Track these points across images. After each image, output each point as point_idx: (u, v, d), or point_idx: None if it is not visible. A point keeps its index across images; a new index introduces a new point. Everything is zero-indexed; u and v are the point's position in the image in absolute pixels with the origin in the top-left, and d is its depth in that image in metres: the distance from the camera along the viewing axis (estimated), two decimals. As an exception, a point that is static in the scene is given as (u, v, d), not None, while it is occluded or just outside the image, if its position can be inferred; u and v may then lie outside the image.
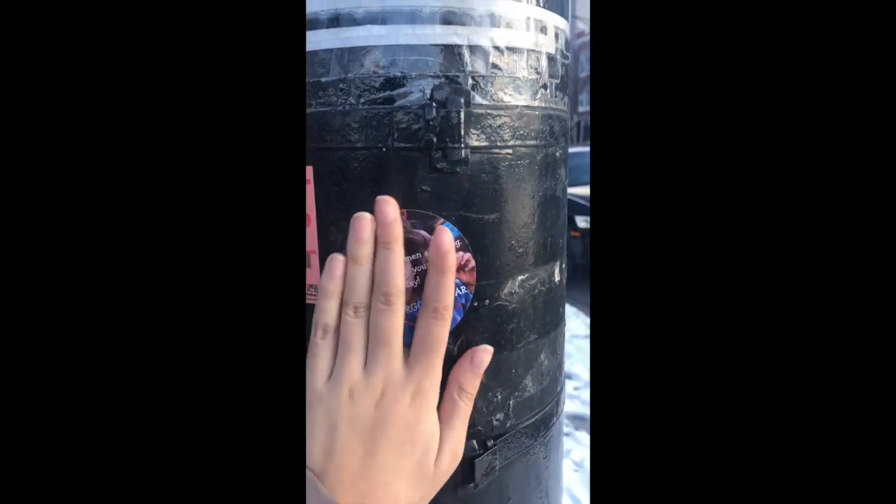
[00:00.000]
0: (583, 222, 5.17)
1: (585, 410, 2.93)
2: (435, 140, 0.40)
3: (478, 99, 0.41)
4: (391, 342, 0.40)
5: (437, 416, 0.42)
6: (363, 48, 0.39)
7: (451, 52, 0.40)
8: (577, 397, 3.06)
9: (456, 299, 0.44)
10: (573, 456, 2.53)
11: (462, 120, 0.40)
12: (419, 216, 0.42)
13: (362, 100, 0.40)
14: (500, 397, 0.47)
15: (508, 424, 0.48)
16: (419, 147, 0.41)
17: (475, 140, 0.42)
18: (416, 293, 0.43)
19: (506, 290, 0.46)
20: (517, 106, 0.44)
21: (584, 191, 5.12)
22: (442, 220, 0.42)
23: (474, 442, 0.46)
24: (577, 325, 4.02)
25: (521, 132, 0.44)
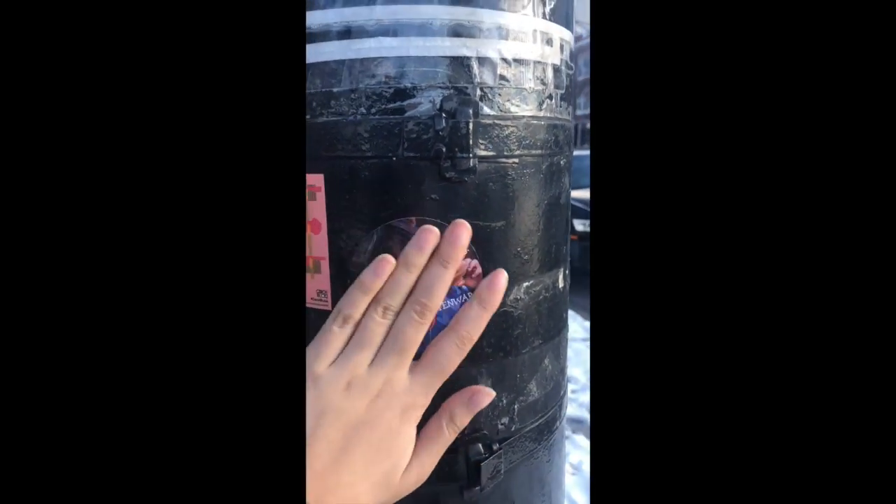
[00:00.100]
0: (580, 225, 5.18)
1: (582, 413, 2.94)
2: (444, 150, 0.41)
3: (486, 109, 0.42)
4: (406, 351, 0.41)
5: (415, 433, 0.42)
6: (374, 59, 0.40)
7: (460, 64, 0.41)
8: (574, 400, 3.07)
9: (462, 305, 0.45)
10: (570, 459, 2.54)
11: (470, 130, 0.41)
12: (428, 223, 0.43)
13: (373, 110, 0.41)
14: (505, 401, 0.48)
15: (513, 428, 0.49)
16: (428, 156, 0.41)
17: (483, 150, 0.43)
18: (424, 299, 0.44)
19: (511, 297, 0.47)
20: (524, 116, 0.44)
21: (582, 194, 5.14)
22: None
23: (480, 446, 0.47)
24: (574, 329, 4.03)
25: (528, 142, 0.45)
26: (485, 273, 0.45)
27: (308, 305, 0.46)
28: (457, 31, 0.41)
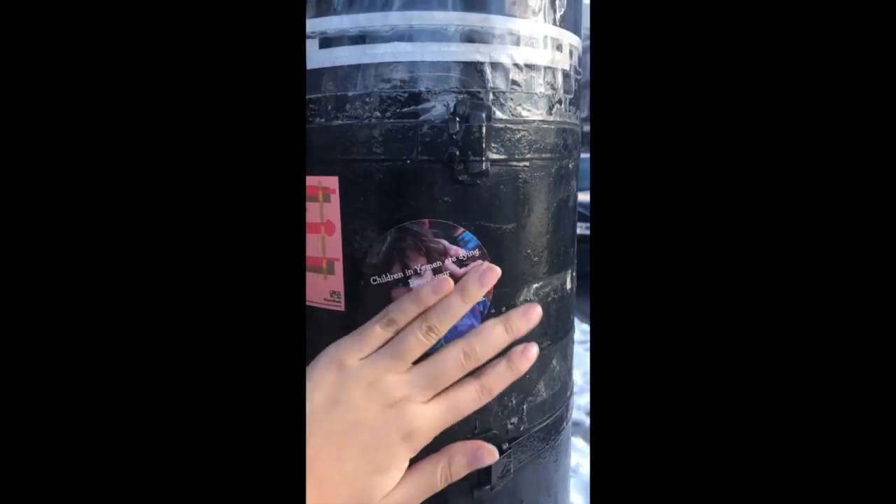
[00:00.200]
0: (579, 228, 5.18)
1: (580, 416, 2.95)
2: (457, 153, 0.42)
3: (498, 114, 0.43)
4: (440, 384, 0.42)
5: (408, 462, 0.42)
6: (390, 64, 0.41)
7: (473, 69, 0.42)
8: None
9: (474, 307, 0.46)
10: (567, 461, 2.54)
11: (483, 134, 0.42)
12: (440, 226, 0.44)
13: (388, 114, 0.42)
14: (514, 401, 0.49)
15: (522, 428, 0.50)
16: (442, 160, 0.42)
17: (495, 153, 0.43)
18: (436, 300, 0.45)
19: (521, 298, 0.47)
20: (534, 120, 0.45)
21: (581, 197, 5.14)
22: (462, 229, 0.44)
23: (490, 445, 0.47)
24: (570, 331, 4.03)
25: (538, 145, 0.46)
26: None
27: (321, 306, 0.46)
28: (470, 37, 0.41)
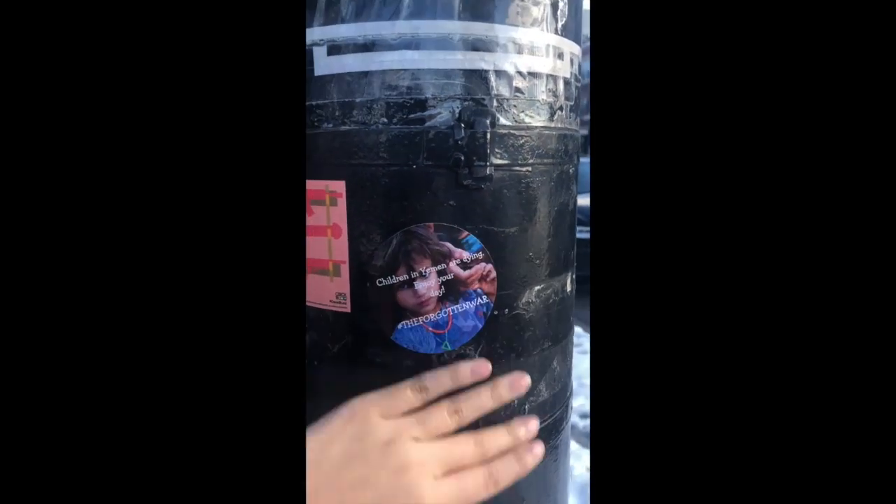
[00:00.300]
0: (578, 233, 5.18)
1: (574, 418, 2.96)
2: (462, 158, 0.43)
3: (502, 120, 0.44)
4: (449, 463, 0.42)
5: None
6: (397, 71, 0.42)
7: (478, 77, 0.43)
8: (564, 406, 3.08)
9: (477, 308, 0.47)
10: (562, 464, 2.55)
11: (488, 139, 0.43)
12: (445, 229, 0.45)
13: (394, 119, 0.43)
14: (516, 402, 0.50)
15: (524, 428, 0.51)
16: (447, 164, 0.43)
17: (498, 158, 0.44)
18: (440, 302, 0.46)
19: (523, 300, 0.48)
20: (537, 127, 0.46)
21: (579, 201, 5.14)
22: (466, 232, 0.45)
23: (492, 444, 0.48)
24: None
25: (540, 151, 0.47)
26: (499, 279, 0.46)
27: (327, 307, 0.47)
28: (475, 46, 0.42)
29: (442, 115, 0.43)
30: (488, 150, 0.43)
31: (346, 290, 0.46)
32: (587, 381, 2.20)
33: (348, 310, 0.46)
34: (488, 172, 0.44)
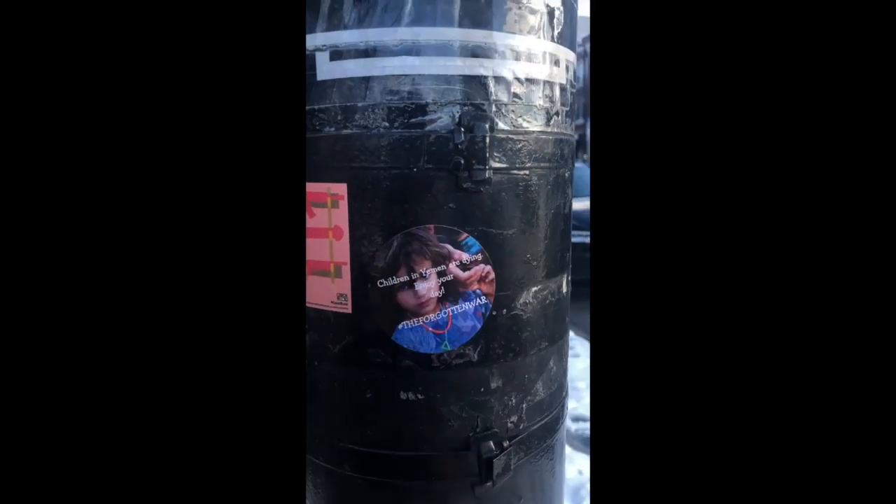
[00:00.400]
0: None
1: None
2: (462, 162, 0.44)
3: (500, 125, 0.45)
4: None
5: None
6: (398, 77, 0.43)
7: (477, 82, 0.44)
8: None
9: (476, 309, 0.48)
10: (554, 467, 2.56)
11: (487, 143, 0.44)
12: (445, 231, 0.46)
13: (395, 124, 0.44)
14: (514, 401, 0.51)
15: (521, 427, 0.52)
16: (447, 168, 0.44)
17: (497, 162, 0.45)
18: (440, 302, 0.47)
19: (521, 301, 0.49)
20: (534, 131, 0.48)
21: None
22: (466, 234, 0.46)
23: (491, 443, 0.49)
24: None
25: (537, 155, 0.48)
26: (498, 280, 0.47)
27: (328, 308, 0.48)
28: (474, 52, 0.43)
29: (442, 119, 0.44)
30: (487, 154, 0.44)
31: (348, 290, 0.47)
32: (579, 384, 2.21)
33: (349, 310, 0.47)
34: (487, 176, 0.45)
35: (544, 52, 0.47)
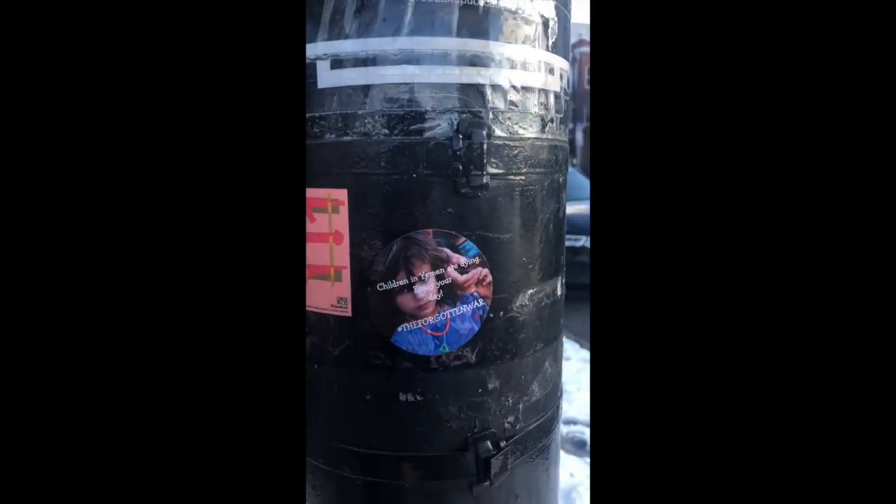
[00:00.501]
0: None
1: (556, 425, 2.98)
2: (461, 167, 0.45)
3: (497, 131, 0.46)
4: None
5: None
6: (398, 85, 0.44)
7: (475, 90, 0.45)
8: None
9: (474, 311, 0.49)
10: (546, 470, 2.56)
11: (485, 150, 0.45)
12: (444, 235, 0.47)
13: (395, 131, 0.45)
14: (511, 401, 0.52)
15: (518, 427, 0.53)
16: (445, 173, 0.45)
17: (494, 168, 0.47)
18: (438, 305, 0.48)
19: (517, 303, 0.51)
20: (529, 138, 0.49)
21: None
22: (464, 238, 0.47)
23: (489, 443, 0.50)
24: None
25: (533, 161, 0.49)
26: (495, 283, 0.49)
27: (328, 312, 0.49)
28: (472, 61, 0.45)
29: (441, 126, 0.45)
30: (485, 160, 0.45)
31: (347, 294, 0.48)
32: (570, 388, 2.23)
33: (349, 314, 0.48)
34: (485, 181, 0.46)
35: (539, 61, 0.48)
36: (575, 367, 2.30)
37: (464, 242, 0.47)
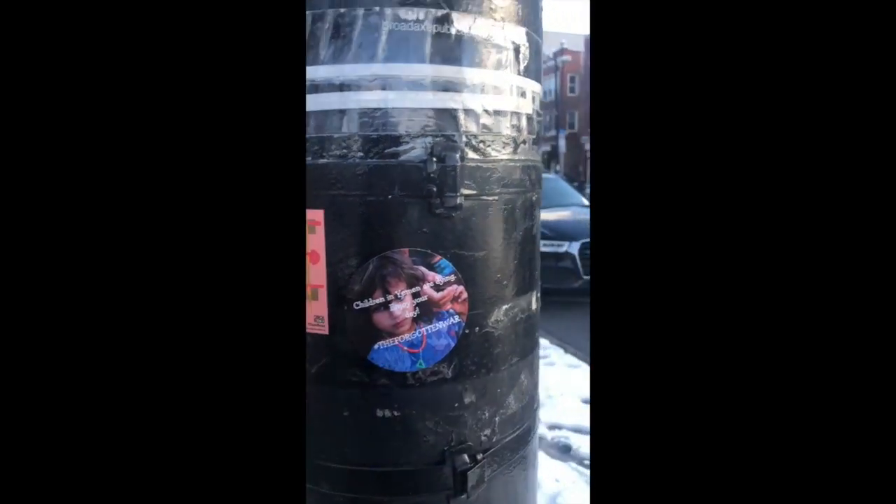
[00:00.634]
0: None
1: (542, 430, 3.00)
2: (435, 189, 0.46)
3: (470, 154, 0.48)
4: None
5: None
6: (373, 109, 0.45)
7: (448, 115, 0.47)
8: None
9: (450, 328, 0.50)
10: (531, 476, 2.57)
11: (458, 172, 0.46)
12: (419, 254, 0.48)
13: (371, 153, 0.46)
14: (487, 415, 0.53)
15: (494, 439, 0.54)
16: (420, 195, 0.46)
17: (467, 189, 0.48)
18: (415, 322, 0.49)
19: (492, 319, 0.52)
20: (502, 159, 0.50)
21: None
22: (439, 256, 0.48)
23: (465, 456, 0.51)
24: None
25: (505, 181, 0.51)
26: (470, 300, 0.50)
27: (306, 330, 0.50)
28: (445, 87, 0.46)
29: (415, 150, 0.46)
30: (458, 182, 0.47)
31: (325, 313, 0.49)
32: (554, 392, 2.25)
33: (326, 332, 0.49)
34: (459, 202, 0.47)
35: (511, 85, 0.50)
36: (559, 371, 2.32)
37: (439, 261, 0.48)
